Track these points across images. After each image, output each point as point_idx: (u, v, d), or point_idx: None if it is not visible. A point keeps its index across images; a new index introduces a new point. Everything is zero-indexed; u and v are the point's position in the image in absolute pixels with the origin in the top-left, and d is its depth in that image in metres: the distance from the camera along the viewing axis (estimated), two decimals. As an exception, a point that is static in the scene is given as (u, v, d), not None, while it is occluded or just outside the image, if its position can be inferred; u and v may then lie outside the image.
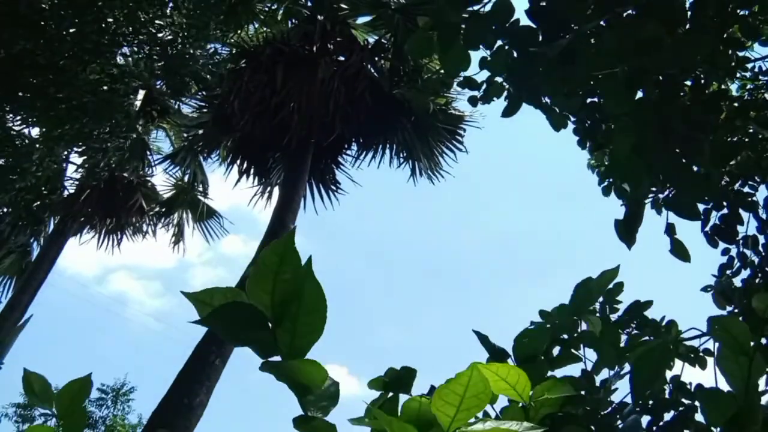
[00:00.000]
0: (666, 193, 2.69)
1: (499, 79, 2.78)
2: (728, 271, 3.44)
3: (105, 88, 7.56)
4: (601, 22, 2.12)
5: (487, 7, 2.19)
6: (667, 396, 3.03)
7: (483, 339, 1.36)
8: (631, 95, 2.06)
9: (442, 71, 10.37)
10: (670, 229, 2.36)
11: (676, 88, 2.17)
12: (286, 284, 0.75)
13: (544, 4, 2.20)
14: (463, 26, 2.20)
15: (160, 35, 7.91)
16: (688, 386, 3.04)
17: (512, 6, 2.17)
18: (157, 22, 7.83)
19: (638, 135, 2.02)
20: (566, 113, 2.64)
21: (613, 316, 3.25)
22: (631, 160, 2.01)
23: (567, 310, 1.53)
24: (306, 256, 0.75)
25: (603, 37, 2.10)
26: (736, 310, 3.31)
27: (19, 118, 7.73)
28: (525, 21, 2.27)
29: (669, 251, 2.35)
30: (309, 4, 11.16)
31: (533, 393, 0.99)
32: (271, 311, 0.75)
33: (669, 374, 3.10)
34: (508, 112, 2.60)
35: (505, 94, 2.81)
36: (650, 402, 2.98)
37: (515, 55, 2.28)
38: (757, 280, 3.23)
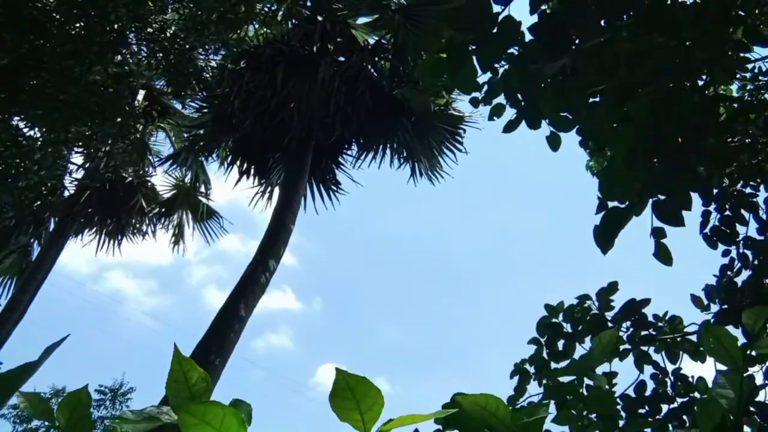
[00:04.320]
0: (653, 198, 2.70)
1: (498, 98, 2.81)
2: (729, 272, 3.45)
3: (110, 89, 7.55)
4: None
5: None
6: (669, 390, 3.06)
7: None
8: (619, 108, 2.08)
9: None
10: (657, 233, 2.34)
11: (668, 97, 2.18)
12: (198, 387, 0.86)
13: (546, 20, 2.21)
14: (473, 46, 2.21)
15: (162, 34, 7.89)
16: (690, 379, 3.07)
17: (517, 24, 2.19)
18: (160, 17, 7.81)
19: (629, 144, 2.03)
20: (564, 131, 2.67)
21: (608, 314, 3.27)
22: (626, 167, 2.02)
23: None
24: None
25: (598, 53, 2.12)
26: (724, 306, 3.32)
27: (23, 118, 7.72)
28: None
29: (653, 255, 2.33)
30: (309, 4, 11.16)
31: (514, 419, 1.00)
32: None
33: (671, 367, 3.14)
34: (508, 129, 2.66)
35: (496, 107, 2.85)
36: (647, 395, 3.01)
37: (514, 74, 2.31)
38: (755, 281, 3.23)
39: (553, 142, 2.72)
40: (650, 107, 2.09)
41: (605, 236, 2.21)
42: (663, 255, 2.30)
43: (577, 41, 2.23)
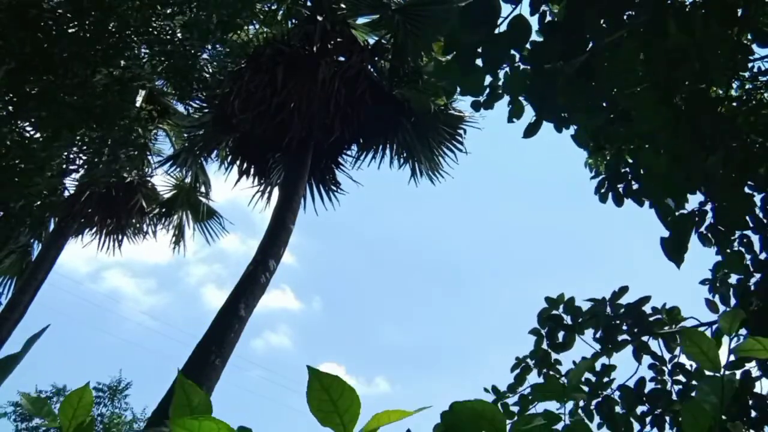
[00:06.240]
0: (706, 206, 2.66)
1: (499, 89, 2.77)
2: (724, 270, 3.45)
3: (115, 89, 7.53)
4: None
5: (503, 27, 2.13)
6: (667, 378, 3.08)
7: None
8: (667, 110, 2.02)
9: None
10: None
11: (705, 96, 2.15)
12: (199, 408, 0.89)
13: (557, 20, 2.16)
14: (480, 48, 2.15)
15: (166, 36, 7.87)
16: (689, 368, 3.09)
17: (529, 24, 2.11)
18: (163, 23, 7.80)
19: (676, 148, 1.98)
20: (589, 128, 2.61)
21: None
22: (672, 174, 1.98)
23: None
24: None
25: (619, 51, 2.07)
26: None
27: (31, 123, 7.71)
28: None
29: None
30: (309, 4, 11.16)
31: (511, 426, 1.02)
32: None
33: (668, 357, 3.16)
34: (529, 133, 2.58)
35: (509, 110, 2.81)
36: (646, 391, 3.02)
37: (532, 73, 2.25)
38: (752, 280, 3.23)
39: (581, 140, 2.65)
40: (692, 107, 2.05)
41: (677, 247, 2.11)
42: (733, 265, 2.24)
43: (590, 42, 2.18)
